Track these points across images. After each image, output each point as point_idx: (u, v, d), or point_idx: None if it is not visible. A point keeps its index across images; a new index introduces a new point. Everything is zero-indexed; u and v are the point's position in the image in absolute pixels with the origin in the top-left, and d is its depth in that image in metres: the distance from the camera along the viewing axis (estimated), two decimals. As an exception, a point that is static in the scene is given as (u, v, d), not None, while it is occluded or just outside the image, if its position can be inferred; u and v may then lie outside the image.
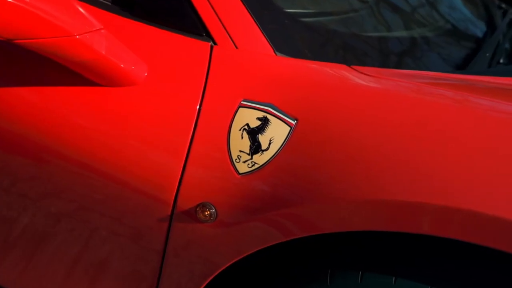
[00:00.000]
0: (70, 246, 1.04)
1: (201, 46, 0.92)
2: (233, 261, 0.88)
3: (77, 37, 0.76)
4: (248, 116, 0.85)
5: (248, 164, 0.83)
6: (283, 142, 0.83)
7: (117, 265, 0.99)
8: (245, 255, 0.87)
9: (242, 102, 0.86)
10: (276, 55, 0.94)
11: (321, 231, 0.80)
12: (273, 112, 0.84)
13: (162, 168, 0.88)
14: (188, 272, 0.91)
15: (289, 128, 0.83)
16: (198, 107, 0.87)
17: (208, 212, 0.84)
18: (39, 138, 0.93)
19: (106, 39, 0.82)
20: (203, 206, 0.85)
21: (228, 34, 0.93)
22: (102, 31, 0.81)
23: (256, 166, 0.83)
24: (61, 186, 0.97)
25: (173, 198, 0.87)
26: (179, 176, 0.86)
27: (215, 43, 0.93)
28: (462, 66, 1.26)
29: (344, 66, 0.95)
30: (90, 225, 0.98)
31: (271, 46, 0.94)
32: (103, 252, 0.99)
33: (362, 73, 0.93)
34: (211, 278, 0.90)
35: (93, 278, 1.03)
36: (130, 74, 0.88)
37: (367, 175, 0.77)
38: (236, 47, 0.93)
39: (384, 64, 1.18)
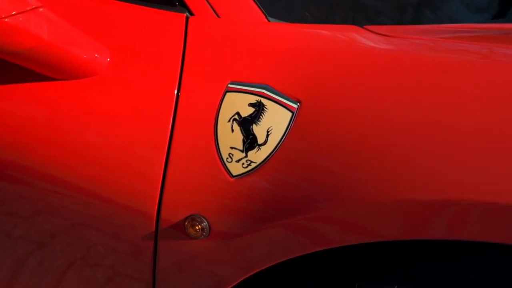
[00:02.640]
0: (56, 266, 0.88)
1: (173, 18, 0.74)
2: (240, 280, 0.71)
3: (6, 20, 0.58)
4: (238, 103, 0.67)
5: (243, 163, 0.66)
6: (285, 133, 0.65)
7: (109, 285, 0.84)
8: (252, 273, 0.70)
9: (229, 85, 0.68)
10: (268, 21, 0.75)
11: (346, 242, 0.63)
12: (269, 95, 0.66)
13: (139, 175, 0.71)
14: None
15: (290, 114, 0.65)
16: (176, 92, 0.69)
17: (199, 227, 0.67)
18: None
19: (47, 20, 0.64)
20: (192, 219, 0.68)
21: (207, 1, 0.74)
22: (41, 9, 0.63)
23: (253, 165, 0.65)
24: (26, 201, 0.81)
25: (155, 211, 0.70)
26: (159, 185, 0.69)
27: (191, 13, 0.74)
28: (500, 14, 1.05)
29: (355, 27, 0.75)
30: (75, 244, 0.82)
31: (262, 11, 0.76)
32: (93, 271, 0.83)
33: (378, 33, 0.74)
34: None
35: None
36: (87, 62, 0.70)
37: (395, 169, 0.59)
38: (218, 16, 0.74)
39: (401, 20, 0.99)
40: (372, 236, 0.61)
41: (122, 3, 0.75)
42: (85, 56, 0.71)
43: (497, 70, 0.65)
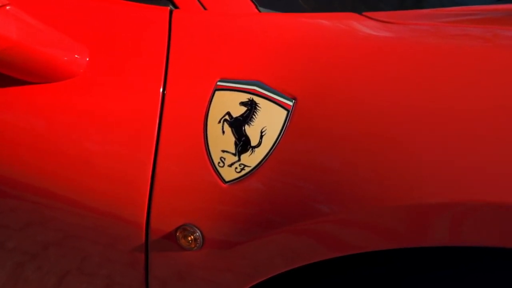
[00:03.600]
0: (52, 275, 0.83)
1: (156, 12, 0.68)
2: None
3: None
4: (229, 102, 0.61)
5: (236, 168, 0.60)
6: (280, 133, 0.59)
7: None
8: (260, 280, 0.65)
9: (219, 83, 0.62)
10: (259, 12, 0.69)
11: (363, 248, 0.58)
12: (261, 93, 0.61)
13: (126, 182, 0.66)
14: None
15: (285, 112, 0.59)
16: (161, 91, 0.64)
17: (192, 237, 0.62)
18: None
19: (16, 19, 0.58)
20: (183, 229, 0.63)
21: (192, -8, 0.68)
22: (8, 7, 0.57)
23: (247, 169, 0.60)
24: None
25: (144, 221, 0.65)
26: (147, 193, 0.64)
27: (175, 6, 0.69)
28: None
29: (353, 14, 0.70)
30: (69, 255, 0.77)
31: (252, 1, 0.70)
32: (89, 281, 0.78)
33: (377, 20, 0.68)
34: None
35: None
36: (64, 63, 0.65)
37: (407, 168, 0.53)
38: (204, 8, 0.69)
39: (401, 4, 0.93)
40: (378, 243, 0.56)
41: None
42: (61, 57, 0.65)
43: (501, 54, 0.59)
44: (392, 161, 0.55)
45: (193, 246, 0.63)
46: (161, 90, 0.64)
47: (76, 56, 0.67)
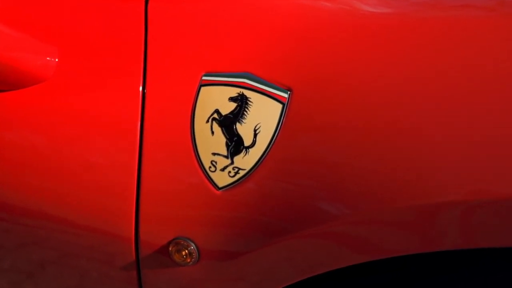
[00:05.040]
0: None
1: (130, 3, 0.61)
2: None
3: None
4: (216, 98, 0.55)
5: (229, 172, 0.54)
6: (276, 130, 0.53)
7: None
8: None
9: (204, 78, 0.55)
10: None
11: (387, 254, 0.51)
12: (252, 85, 0.54)
13: (110, 194, 0.59)
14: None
15: (280, 106, 0.53)
16: (141, 90, 0.57)
17: (186, 252, 0.56)
18: None
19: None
20: (176, 243, 0.56)
21: (167, -24, 0.61)
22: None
23: (241, 173, 0.53)
24: None
25: (133, 235, 0.59)
26: (133, 205, 0.57)
27: (151, -5, 0.61)
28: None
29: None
30: (67, 272, 0.71)
31: (237, -17, 0.62)
32: None
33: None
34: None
35: None
36: (30, 67, 0.58)
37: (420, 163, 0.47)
38: (184, -5, 0.61)
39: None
40: (392, 250, 0.50)
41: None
42: (27, 61, 0.59)
43: (508, 23, 0.52)
44: (402, 154, 0.49)
45: (188, 261, 0.57)
46: (140, 89, 0.57)
47: (47, 58, 0.60)
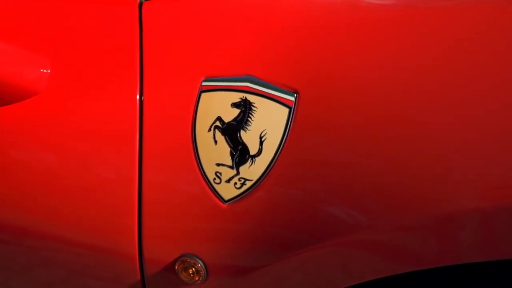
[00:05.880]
0: None
1: (122, 7, 0.57)
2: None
3: None
4: (218, 104, 0.51)
5: (235, 183, 0.50)
6: (284, 136, 0.49)
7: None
8: None
9: (204, 83, 0.52)
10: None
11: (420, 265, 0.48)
12: (255, 89, 0.50)
13: (112, 209, 0.56)
14: None
15: (287, 110, 0.49)
16: (138, 98, 0.53)
17: (193, 270, 0.52)
18: None
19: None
20: (182, 261, 0.53)
21: (162, -23, 0.58)
22: None
23: (248, 184, 0.50)
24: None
25: (137, 252, 0.55)
26: (135, 220, 0.54)
27: (145, -3, 0.58)
28: None
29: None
30: None
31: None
32: None
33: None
34: None
35: None
36: (21, 81, 0.54)
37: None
38: (180, -5, 0.58)
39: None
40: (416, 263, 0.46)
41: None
42: (20, 74, 0.55)
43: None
44: (419, 151, 0.44)
45: (196, 279, 0.53)
46: (137, 97, 0.54)
47: (40, 70, 0.57)
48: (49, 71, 0.57)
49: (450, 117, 0.44)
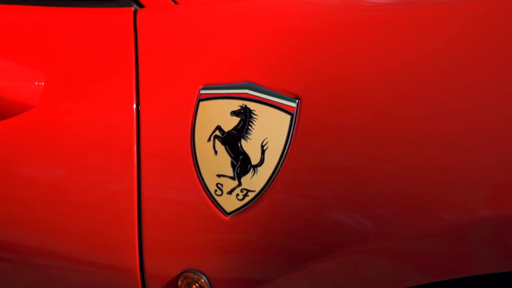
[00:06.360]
0: None
1: (117, 15, 0.56)
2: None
3: None
4: (217, 113, 0.49)
5: (237, 194, 0.48)
6: (286, 144, 0.47)
7: None
8: None
9: (202, 92, 0.50)
10: (242, -4, 0.56)
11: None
12: (255, 96, 0.48)
13: (111, 224, 0.54)
14: None
15: (289, 117, 0.47)
16: (135, 107, 0.51)
17: (197, 285, 0.50)
18: None
19: None
20: (185, 277, 0.51)
21: (156, -15, 0.56)
22: None
23: (251, 195, 0.48)
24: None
25: (138, 268, 0.53)
26: (135, 234, 0.52)
27: (140, 5, 0.57)
28: None
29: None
30: None
31: (232, -16, 0.57)
32: None
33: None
34: None
35: None
36: (14, 96, 0.53)
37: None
38: (175, 2, 0.56)
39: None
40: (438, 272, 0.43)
41: (50, 8, 0.57)
42: (16, 89, 0.54)
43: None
44: (425, 152, 0.42)
45: (200, 295, 0.51)
46: (134, 106, 0.52)
47: (34, 84, 0.55)
48: (43, 83, 0.55)
49: (459, 117, 0.42)
